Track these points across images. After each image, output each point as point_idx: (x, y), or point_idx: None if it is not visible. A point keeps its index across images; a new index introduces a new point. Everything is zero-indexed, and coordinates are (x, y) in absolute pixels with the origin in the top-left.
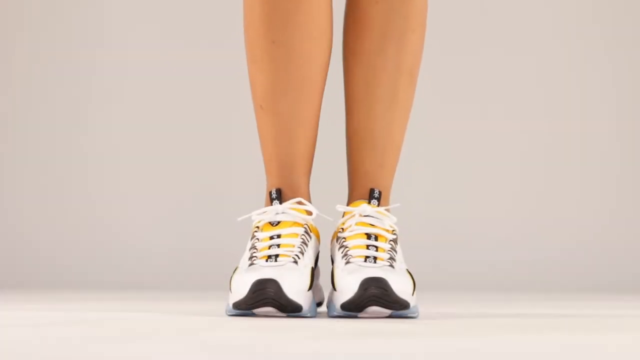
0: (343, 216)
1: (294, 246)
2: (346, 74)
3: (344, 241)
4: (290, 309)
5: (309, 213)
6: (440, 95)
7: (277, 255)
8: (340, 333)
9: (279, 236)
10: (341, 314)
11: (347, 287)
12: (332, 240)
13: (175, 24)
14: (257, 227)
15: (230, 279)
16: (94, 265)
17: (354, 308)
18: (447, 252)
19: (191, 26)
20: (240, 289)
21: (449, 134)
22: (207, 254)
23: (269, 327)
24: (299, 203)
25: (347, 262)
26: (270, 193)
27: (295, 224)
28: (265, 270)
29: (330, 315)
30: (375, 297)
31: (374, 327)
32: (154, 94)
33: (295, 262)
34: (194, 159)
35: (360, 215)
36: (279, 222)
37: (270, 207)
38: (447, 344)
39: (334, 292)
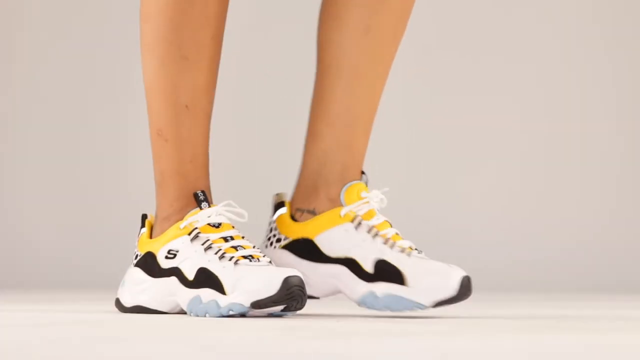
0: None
1: (252, 247)
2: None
3: (373, 229)
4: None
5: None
6: (439, 94)
7: (251, 256)
8: (341, 333)
9: (232, 238)
10: (419, 309)
11: (447, 284)
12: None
13: None
14: (196, 227)
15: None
16: (94, 265)
17: (446, 303)
18: (446, 252)
19: None
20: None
21: (448, 134)
22: None
23: (269, 327)
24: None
25: (406, 254)
26: (196, 195)
27: (233, 226)
28: (281, 269)
29: (400, 310)
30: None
31: (373, 327)
32: None
33: (270, 262)
34: None
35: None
36: (220, 224)
37: (209, 210)
38: (447, 344)
39: (407, 287)
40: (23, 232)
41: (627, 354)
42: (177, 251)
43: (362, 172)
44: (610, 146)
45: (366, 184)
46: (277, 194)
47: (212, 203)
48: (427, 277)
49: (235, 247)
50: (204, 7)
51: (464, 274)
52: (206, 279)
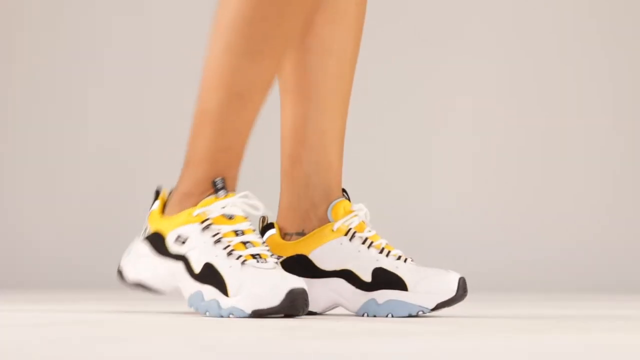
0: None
1: (262, 244)
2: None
3: (367, 241)
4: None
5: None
6: (435, 91)
7: (259, 255)
8: (341, 333)
9: (243, 232)
10: (422, 313)
11: (446, 287)
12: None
13: (176, 23)
14: (208, 218)
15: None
16: (94, 265)
17: (446, 305)
18: (446, 252)
19: (192, 26)
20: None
21: (448, 134)
22: None
23: (269, 327)
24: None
25: (402, 261)
26: (214, 183)
27: (247, 219)
28: (287, 277)
29: (404, 315)
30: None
31: (373, 327)
32: (155, 94)
33: (277, 263)
34: None
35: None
36: (233, 216)
37: (224, 200)
38: (447, 344)
39: (409, 292)
40: (23, 232)
41: (627, 354)
42: (187, 238)
43: (343, 190)
44: (611, 146)
45: (348, 200)
46: (263, 217)
47: (231, 192)
48: (427, 281)
49: (244, 243)
50: (285, 6)
51: (459, 275)
52: (211, 275)
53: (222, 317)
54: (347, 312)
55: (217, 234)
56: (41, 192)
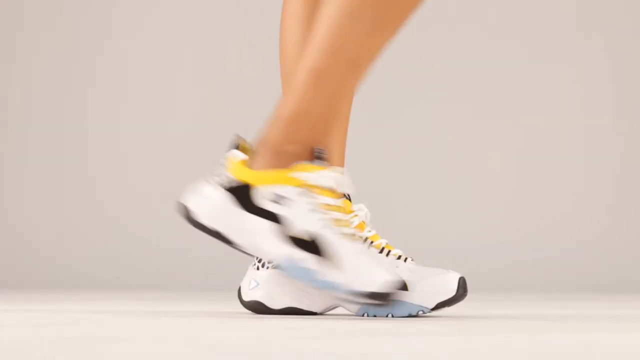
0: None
1: (351, 225)
2: None
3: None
4: None
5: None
6: (435, 92)
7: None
8: (341, 333)
9: (337, 208)
10: (422, 312)
11: (446, 287)
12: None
13: (176, 23)
14: (306, 184)
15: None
16: (94, 265)
17: (446, 305)
18: (446, 252)
19: (192, 26)
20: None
21: (448, 134)
22: (206, 254)
23: (269, 327)
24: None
25: (402, 261)
26: (318, 151)
27: (341, 194)
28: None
29: (404, 315)
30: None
31: (373, 327)
32: (155, 94)
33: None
34: (194, 159)
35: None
36: (329, 189)
37: (324, 171)
38: (447, 344)
39: (409, 291)
40: (23, 232)
41: (627, 354)
42: (284, 199)
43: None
44: (611, 147)
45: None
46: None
47: (328, 165)
48: (427, 281)
49: (339, 220)
50: None
51: (460, 275)
52: (313, 244)
53: (319, 287)
54: (346, 312)
55: (314, 202)
56: (41, 192)
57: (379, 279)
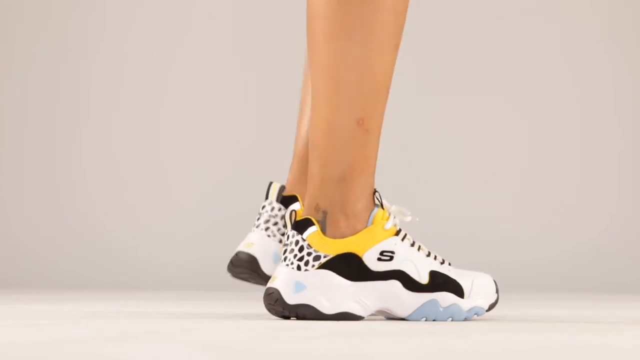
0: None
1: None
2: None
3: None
4: None
5: None
6: (438, 94)
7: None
8: (341, 333)
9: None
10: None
11: (490, 289)
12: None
13: (176, 23)
14: (399, 228)
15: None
16: (94, 265)
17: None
18: (446, 252)
19: (192, 26)
20: (490, 291)
21: (448, 134)
22: (206, 255)
23: (269, 327)
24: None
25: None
26: (377, 194)
27: None
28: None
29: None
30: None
31: (373, 327)
32: (154, 95)
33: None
34: (193, 160)
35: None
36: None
37: (394, 209)
38: (447, 344)
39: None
40: (23, 232)
41: (627, 354)
42: (393, 252)
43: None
44: (611, 147)
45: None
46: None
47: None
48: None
49: (422, 248)
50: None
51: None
52: (443, 282)
53: (466, 319)
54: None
55: (413, 242)
56: (39, 193)
57: (489, 290)
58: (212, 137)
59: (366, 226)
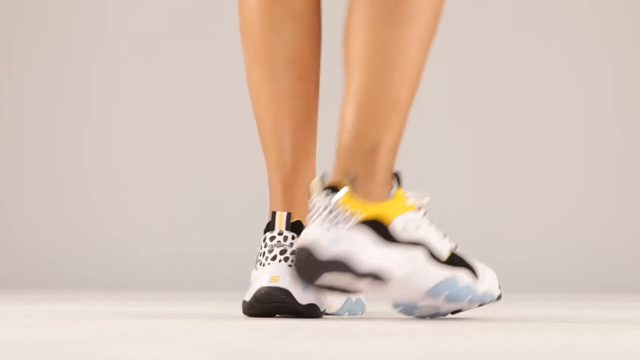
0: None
1: None
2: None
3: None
4: None
5: None
6: (435, 92)
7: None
8: (340, 333)
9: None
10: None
11: (496, 283)
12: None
13: (176, 23)
14: (419, 206)
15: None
16: (94, 265)
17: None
18: None
19: (192, 25)
20: (496, 285)
21: (448, 133)
22: (206, 254)
23: (269, 327)
24: None
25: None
26: (398, 174)
27: None
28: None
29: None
30: None
31: (373, 327)
32: (154, 95)
33: None
34: (193, 159)
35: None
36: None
37: (411, 191)
38: (447, 344)
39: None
40: (23, 232)
41: (627, 354)
42: (417, 226)
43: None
44: (611, 146)
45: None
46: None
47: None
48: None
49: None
50: None
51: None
52: (460, 261)
53: (481, 302)
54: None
55: (430, 221)
56: (39, 193)
57: (495, 283)
58: (212, 137)
59: (388, 199)
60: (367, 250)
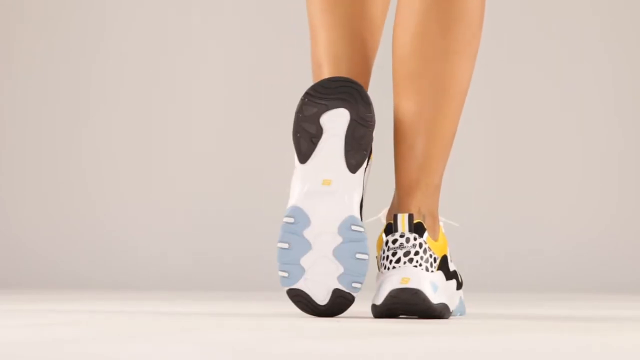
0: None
1: None
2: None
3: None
4: None
5: None
6: None
7: None
8: (341, 333)
9: None
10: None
11: None
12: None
13: (176, 23)
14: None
15: None
16: (94, 265)
17: None
18: None
19: (192, 25)
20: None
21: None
22: (206, 255)
23: (269, 327)
24: None
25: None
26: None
27: None
28: None
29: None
30: None
31: (373, 327)
32: (154, 95)
33: None
34: (193, 159)
35: None
36: None
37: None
38: (447, 344)
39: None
40: (23, 232)
41: (628, 354)
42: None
43: None
44: (612, 146)
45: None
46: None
47: None
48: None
49: None
50: None
51: None
52: (453, 274)
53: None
54: (346, 312)
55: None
56: (41, 192)
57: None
58: (212, 137)
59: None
60: (448, 291)
